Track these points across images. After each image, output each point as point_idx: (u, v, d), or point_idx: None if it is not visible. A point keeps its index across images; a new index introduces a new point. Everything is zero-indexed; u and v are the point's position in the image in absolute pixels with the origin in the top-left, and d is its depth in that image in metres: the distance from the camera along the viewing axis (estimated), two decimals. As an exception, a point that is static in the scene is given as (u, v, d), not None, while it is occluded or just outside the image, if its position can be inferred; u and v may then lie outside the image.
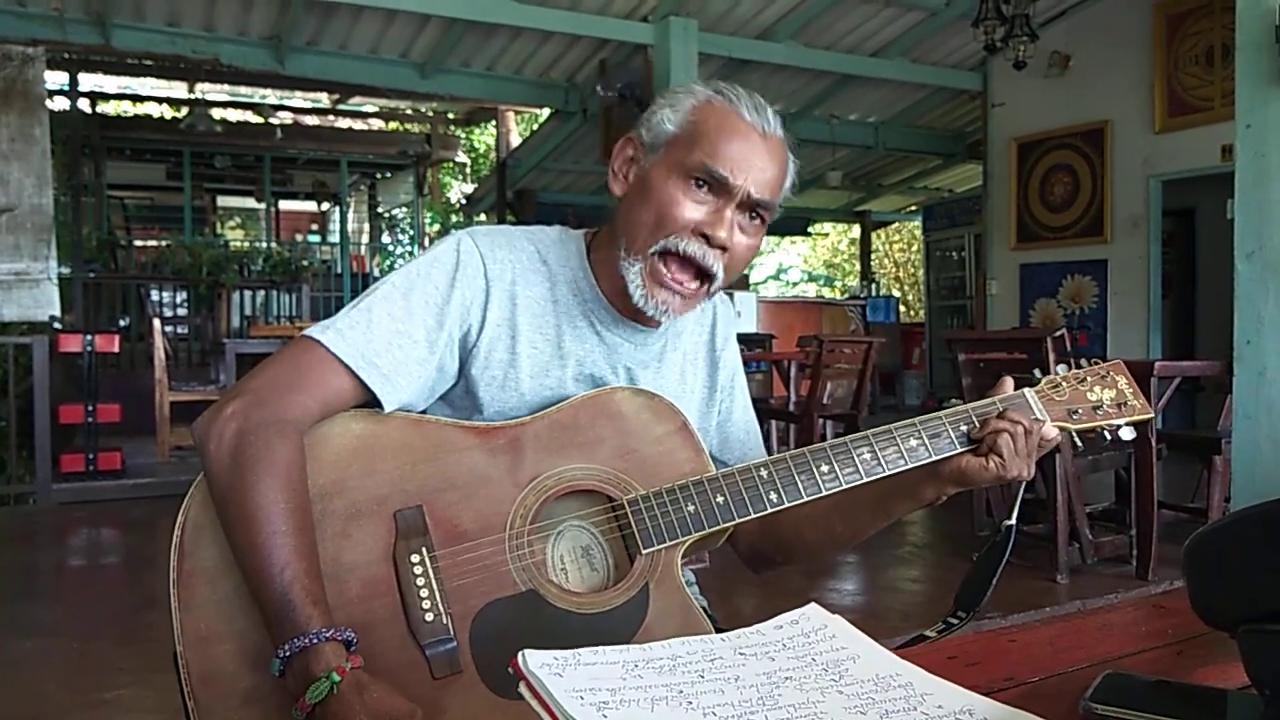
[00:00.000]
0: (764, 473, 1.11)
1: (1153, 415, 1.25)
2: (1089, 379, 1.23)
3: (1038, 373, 1.24)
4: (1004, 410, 1.14)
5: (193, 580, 0.98)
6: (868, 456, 1.12)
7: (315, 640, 0.90)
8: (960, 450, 1.14)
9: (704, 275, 1.14)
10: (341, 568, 1.00)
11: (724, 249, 1.13)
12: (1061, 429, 1.18)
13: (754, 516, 1.10)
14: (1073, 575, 3.90)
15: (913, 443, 1.14)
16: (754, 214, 1.15)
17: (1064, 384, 1.21)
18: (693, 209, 1.12)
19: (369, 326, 1.08)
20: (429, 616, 0.99)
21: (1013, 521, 1.20)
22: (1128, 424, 1.22)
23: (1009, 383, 1.19)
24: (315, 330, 1.09)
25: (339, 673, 0.89)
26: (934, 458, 1.14)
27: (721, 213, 1.12)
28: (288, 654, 0.90)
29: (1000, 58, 7.75)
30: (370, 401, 1.09)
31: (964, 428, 1.15)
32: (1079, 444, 1.24)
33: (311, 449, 1.03)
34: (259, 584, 0.94)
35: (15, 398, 5.93)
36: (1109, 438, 1.22)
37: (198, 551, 0.99)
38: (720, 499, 1.09)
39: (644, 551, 1.07)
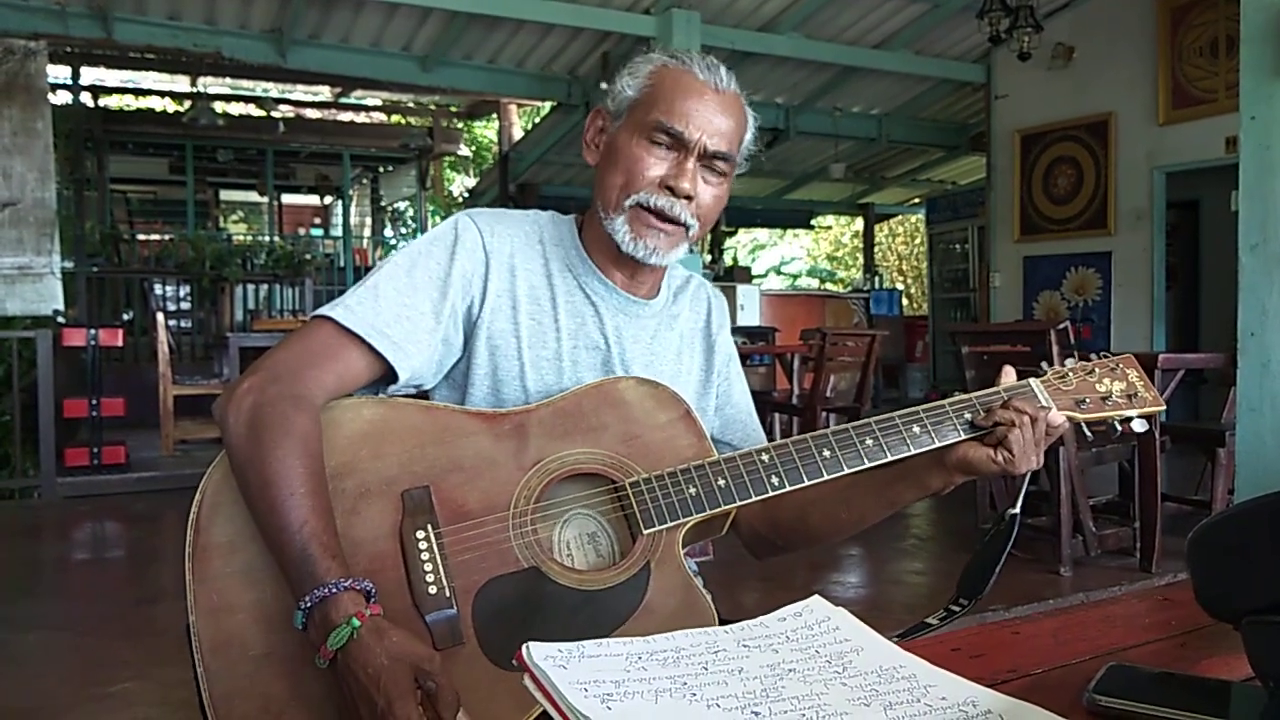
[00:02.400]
0: (765, 457, 1.12)
1: (1164, 407, 1.23)
2: (1097, 371, 1.22)
3: (1044, 365, 1.23)
4: (1009, 399, 1.14)
5: (207, 554, 1.00)
6: (870, 443, 1.13)
7: (334, 590, 0.92)
8: (964, 438, 1.14)
9: (676, 223, 1.21)
10: (350, 543, 1.02)
11: (689, 198, 1.20)
12: (1070, 418, 1.17)
13: (755, 500, 1.11)
14: (1076, 568, 3.90)
15: (915, 430, 1.14)
16: (714, 166, 1.22)
17: (1071, 375, 1.21)
18: (655, 165, 1.19)
19: (376, 301, 1.13)
20: (432, 589, 1.01)
21: (1016, 511, 1.19)
22: (1140, 415, 1.20)
23: (1011, 372, 1.19)
24: (325, 309, 1.13)
25: (359, 618, 0.91)
26: (937, 444, 1.14)
27: (683, 165, 1.19)
28: (309, 605, 0.92)
29: (1004, 49, 7.73)
30: (381, 377, 1.14)
31: (968, 416, 1.15)
32: (1089, 435, 1.22)
33: (325, 432, 1.06)
34: (279, 544, 0.96)
35: (19, 392, 5.94)
36: (1119, 429, 1.21)
37: (213, 527, 1.01)
38: (721, 482, 1.11)
39: (645, 532, 1.08)
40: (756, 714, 0.64)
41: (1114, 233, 7.79)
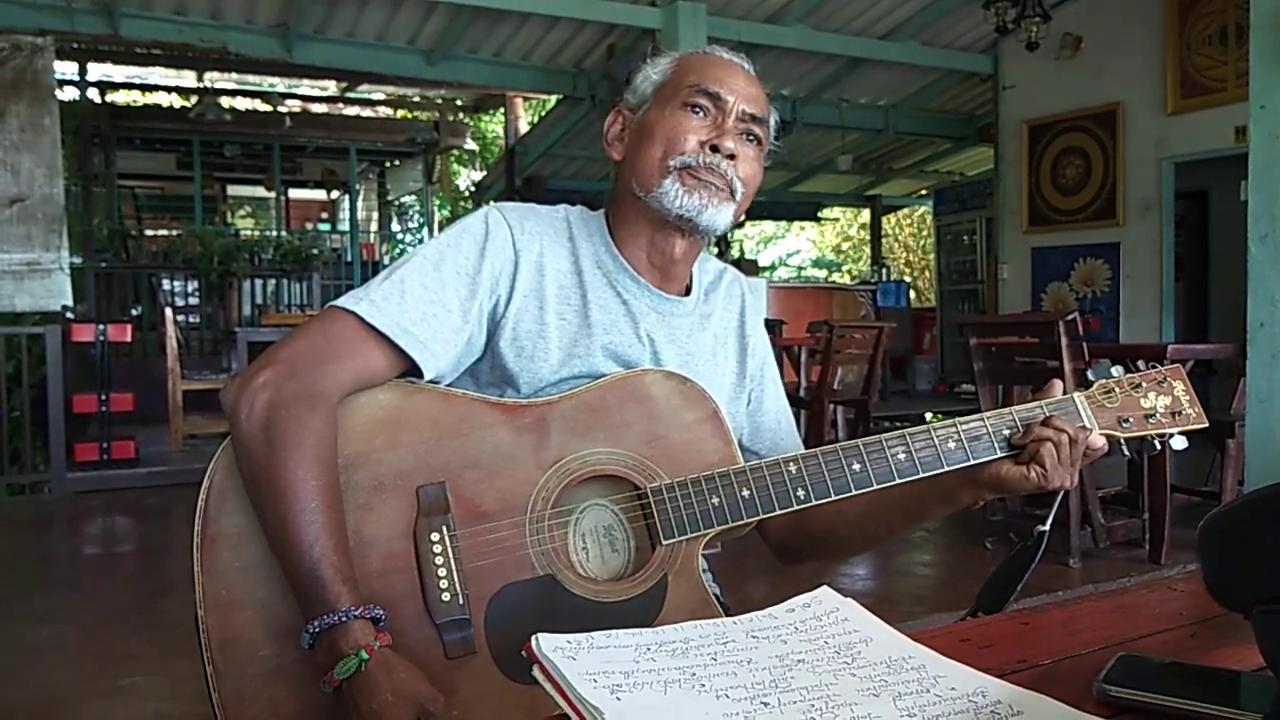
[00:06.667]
0: (793, 468, 1.08)
1: (1207, 424, 1.17)
2: (1144, 384, 1.17)
3: (1091, 375, 1.17)
4: (1049, 416, 1.10)
5: (216, 545, 0.98)
6: (902, 457, 1.09)
7: (344, 618, 0.91)
8: (1000, 455, 1.10)
9: (724, 179, 1.17)
10: (363, 541, 1.00)
11: (732, 157, 1.16)
12: (1110, 438, 1.13)
13: (779, 513, 1.08)
14: (1085, 559, 3.89)
15: (950, 445, 1.09)
16: (749, 134, 1.19)
17: (1117, 390, 1.15)
18: (695, 128, 1.16)
19: (403, 297, 1.08)
20: (446, 596, 0.99)
21: (1045, 528, 1.14)
22: (1181, 433, 1.15)
23: (1057, 386, 1.14)
24: (347, 302, 1.08)
25: (368, 651, 0.90)
26: (971, 462, 1.10)
27: (723, 126, 1.17)
28: (317, 630, 0.92)
29: (1011, 39, 7.71)
30: (402, 375, 1.09)
31: (1005, 432, 1.10)
32: (1125, 453, 1.16)
33: (338, 419, 1.02)
34: (288, 560, 0.94)
35: (29, 387, 5.96)
36: (1159, 447, 1.16)
37: (221, 517, 0.99)
38: (746, 493, 1.07)
39: (665, 543, 1.05)
40: (766, 704, 0.64)
41: (1123, 223, 7.76)
